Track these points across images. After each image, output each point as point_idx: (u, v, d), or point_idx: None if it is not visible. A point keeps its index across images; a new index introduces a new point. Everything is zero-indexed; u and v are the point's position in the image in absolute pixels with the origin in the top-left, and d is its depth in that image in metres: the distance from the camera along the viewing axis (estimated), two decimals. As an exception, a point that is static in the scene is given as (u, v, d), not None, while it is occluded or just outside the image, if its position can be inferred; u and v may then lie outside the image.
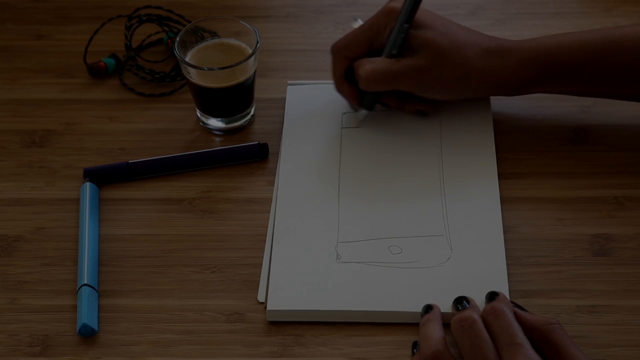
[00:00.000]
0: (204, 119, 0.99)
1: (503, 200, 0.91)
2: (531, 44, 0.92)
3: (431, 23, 0.91)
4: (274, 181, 0.94)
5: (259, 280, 0.86)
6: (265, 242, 0.89)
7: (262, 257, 0.88)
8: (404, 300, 0.83)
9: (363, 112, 0.96)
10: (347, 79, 0.95)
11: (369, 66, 0.91)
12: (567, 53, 0.90)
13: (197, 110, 0.99)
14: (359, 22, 0.95)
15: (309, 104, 0.99)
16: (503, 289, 0.83)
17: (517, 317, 0.78)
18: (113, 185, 0.94)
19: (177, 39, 0.95)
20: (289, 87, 1.01)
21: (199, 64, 0.95)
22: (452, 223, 0.89)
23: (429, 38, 0.90)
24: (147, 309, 0.85)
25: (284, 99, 1.00)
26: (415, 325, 0.82)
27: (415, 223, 0.89)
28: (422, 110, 0.96)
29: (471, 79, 0.91)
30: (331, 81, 0.98)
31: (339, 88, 0.96)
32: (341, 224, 0.89)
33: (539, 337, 0.77)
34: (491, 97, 0.97)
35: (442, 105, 0.97)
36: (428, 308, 0.82)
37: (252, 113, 1.00)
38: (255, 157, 0.96)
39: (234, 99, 0.97)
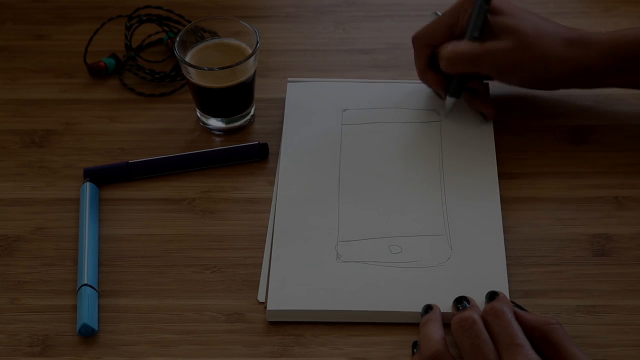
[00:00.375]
0: (204, 119, 0.99)
1: (503, 200, 0.91)
2: (610, 36, 0.92)
3: (512, 11, 0.92)
4: (274, 181, 0.94)
5: (259, 280, 0.86)
6: (265, 242, 0.89)
7: (262, 257, 0.88)
8: (404, 300, 0.83)
9: (450, 100, 0.95)
10: (431, 68, 0.95)
11: (451, 47, 0.92)
12: None
13: (197, 110, 0.99)
14: (439, 13, 0.96)
15: (310, 101, 0.99)
16: (503, 289, 0.83)
17: (517, 317, 0.78)
18: (113, 185, 0.94)
19: (177, 39, 0.95)
20: (289, 84, 1.01)
21: (199, 64, 0.95)
22: (452, 223, 0.89)
23: (511, 23, 0.91)
24: (147, 309, 0.85)
25: (284, 99, 1.00)
26: (415, 325, 0.82)
27: (415, 222, 0.89)
28: (485, 112, 0.96)
29: (552, 66, 0.91)
30: (332, 79, 0.99)
31: (423, 77, 0.96)
32: (341, 223, 0.89)
33: (539, 337, 0.77)
34: (491, 97, 0.97)
35: (442, 105, 0.97)
36: (428, 308, 0.82)
37: (252, 113, 1.00)
38: (255, 157, 0.96)
39: (234, 99, 0.97)
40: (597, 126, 0.97)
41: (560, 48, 0.91)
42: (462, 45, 0.92)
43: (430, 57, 0.95)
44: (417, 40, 0.95)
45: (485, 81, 0.97)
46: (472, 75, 0.95)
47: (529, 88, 0.95)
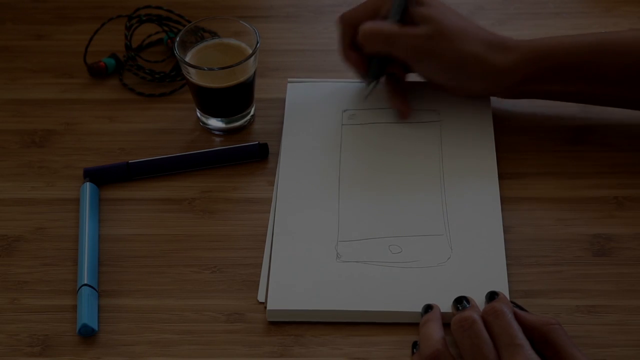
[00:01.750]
0: (204, 119, 0.99)
1: (503, 200, 0.91)
2: (531, 43, 0.92)
3: (435, 3, 0.93)
4: (274, 181, 0.94)
5: (259, 280, 0.86)
6: (265, 242, 0.89)
7: (262, 257, 0.88)
8: (404, 300, 0.83)
9: (370, 83, 0.96)
10: (354, 49, 0.96)
11: (370, 24, 0.93)
12: (565, 53, 0.91)
13: (197, 110, 0.99)
14: None
15: (309, 101, 0.99)
16: (503, 289, 0.83)
17: (517, 317, 0.78)
18: (113, 185, 0.94)
19: (177, 39, 0.95)
20: (289, 84, 1.01)
21: (199, 64, 0.95)
22: (452, 223, 0.89)
23: (432, 14, 0.92)
24: (147, 309, 0.85)
25: (284, 99, 1.00)
26: (415, 325, 0.82)
27: (415, 222, 0.89)
28: (401, 110, 0.96)
29: (467, 64, 0.92)
30: (332, 79, 0.99)
31: (346, 56, 0.97)
32: (341, 223, 0.89)
33: (539, 337, 0.77)
34: (491, 97, 0.97)
35: (442, 105, 0.97)
36: (428, 308, 0.82)
37: (252, 113, 1.00)
38: (255, 157, 0.96)
39: (234, 99, 0.97)
40: (597, 126, 0.97)
41: (477, 47, 0.91)
42: (381, 24, 0.93)
43: (353, 37, 0.95)
44: (342, 19, 0.96)
45: (405, 73, 0.97)
46: (392, 60, 0.95)
47: (442, 82, 0.95)
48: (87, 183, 0.93)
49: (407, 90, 0.98)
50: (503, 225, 0.89)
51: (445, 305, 0.82)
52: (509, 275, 0.85)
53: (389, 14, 0.93)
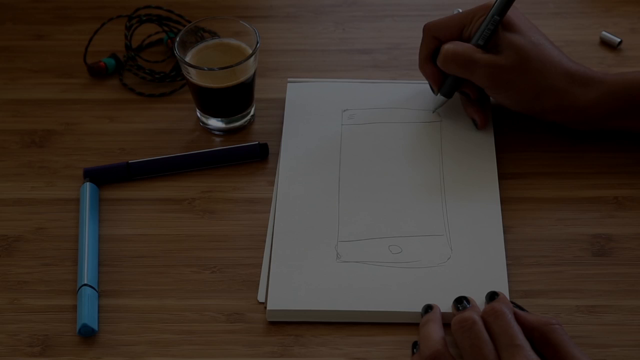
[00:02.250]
0: (204, 119, 0.99)
1: (503, 200, 0.91)
2: (617, 78, 0.90)
3: (525, 30, 0.91)
4: (274, 181, 0.94)
5: (259, 280, 0.86)
6: (265, 242, 0.89)
7: (262, 257, 0.88)
8: (404, 300, 0.83)
9: (440, 97, 0.95)
10: (433, 62, 0.95)
11: (452, 45, 0.92)
12: None
13: (197, 110, 0.99)
14: (459, 11, 0.96)
15: (310, 101, 0.99)
16: (503, 289, 0.83)
17: (517, 318, 0.78)
18: (113, 185, 0.94)
19: (177, 39, 0.95)
20: (289, 84, 1.01)
21: (199, 64, 0.95)
22: (452, 223, 0.89)
23: (518, 42, 0.90)
24: (147, 309, 0.85)
25: (284, 99, 1.00)
26: (415, 325, 0.82)
27: (415, 223, 0.89)
28: (476, 120, 0.95)
29: (545, 97, 0.90)
30: (332, 79, 0.99)
31: (423, 67, 0.96)
32: (341, 223, 0.89)
33: (539, 337, 0.77)
34: (492, 98, 0.97)
35: (441, 105, 0.97)
36: (428, 308, 0.82)
37: (252, 113, 1.00)
38: (255, 157, 0.96)
39: (234, 99, 0.97)
40: (597, 126, 0.97)
41: (560, 81, 0.90)
42: (464, 47, 0.91)
43: (434, 50, 0.94)
44: (426, 29, 0.94)
45: (477, 94, 0.95)
46: (467, 80, 0.94)
47: (518, 110, 0.94)
48: (87, 183, 0.93)
49: (484, 100, 0.96)
50: (503, 225, 0.89)
51: (445, 305, 0.82)
52: (509, 275, 0.85)
53: (474, 34, 0.92)
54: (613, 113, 0.91)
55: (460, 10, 0.96)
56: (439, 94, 0.95)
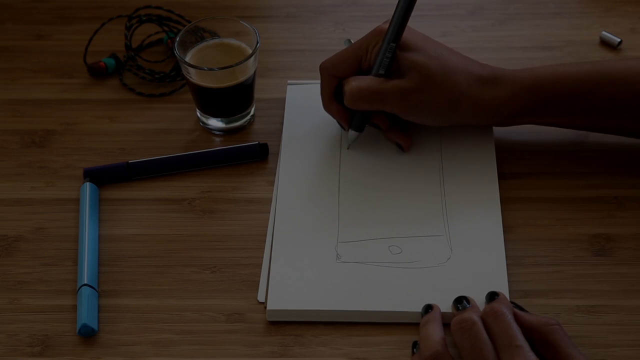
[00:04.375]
0: (204, 119, 0.99)
1: (503, 200, 0.91)
2: (526, 74, 0.90)
3: (422, 46, 0.89)
4: (274, 181, 0.94)
5: (259, 280, 0.86)
6: (265, 242, 0.89)
7: (262, 257, 0.88)
8: (404, 300, 0.83)
9: (352, 133, 0.93)
10: (336, 99, 0.93)
11: (354, 83, 0.90)
12: (562, 84, 0.89)
13: (197, 110, 0.99)
14: (350, 42, 0.94)
15: (309, 103, 0.99)
16: (503, 289, 0.83)
17: (517, 318, 0.78)
18: (113, 185, 0.94)
19: (177, 39, 0.95)
20: (289, 86, 1.01)
21: (199, 64, 0.95)
22: (452, 223, 0.89)
23: (418, 61, 0.88)
24: (147, 309, 0.85)
25: (284, 99, 1.00)
26: (415, 325, 0.82)
27: (415, 223, 0.89)
28: (401, 144, 0.94)
29: (460, 106, 0.89)
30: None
31: (328, 107, 0.94)
32: (341, 224, 0.89)
33: (539, 337, 0.77)
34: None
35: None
36: (428, 308, 0.82)
37: (252, 113, 1.00)
38: (255, 157, 0.96)
39: (234, 99, 0.97)
40: (597, 126, 0.97)
41: (469, 86, 0.89)
42: (366, 82, 0.89)
43: (335, 88, 0.93)
44: (323, 70, 0.92)
45: (388, 122, 0.93)
46: (377, 111, 0.92)
47: (438, 125, 0.93)
48: (87, 183, 0.93)
49: (401, 122, 0.94)
50: (503, 225, 0.89)
51: (445, 305, 0.82)
52: (509, 275, 0.85)
53: (373, 64, 0.90)
54: (527, 109, 0.90)
55: (351, 40, 0.94)
56: (350, 130, 0.94)
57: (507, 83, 0.89)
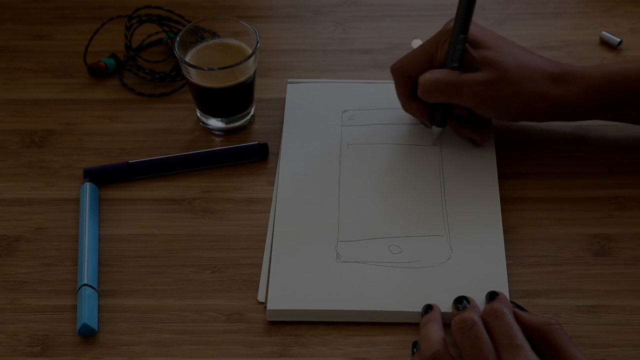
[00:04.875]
0: (204, 119, 0.99)
1: (503, 200, 0.91)
2: (597, 71, 0.90)
3: (493, 44, 0.90)
4: (274, 181, 0.94)
5: (259, 280, 0.86)
6: (265, 242, 0.89)
7: (262, 257, 0.88)
8: (404, 300, 0.83)
9: (436, 129, 0.93)
10: (414, 98, 0.93)
11: (429, 75, 0.90)
12: (634, 79, 0.89)
13: (197, 110, 0.99)
14: (419, 42, 0.94)
15: (310, 102, 0.99)
16: (503, 289, 0.83)
17: (517, 318, 0.78)
18: (113, 185, 0.94)
19: (177, 39, 0.95)
20: (289, 85, 1.01)
21: (199, 64, 0.95)
22: (452, 223, 0.89)
23: (493, 57, 0.89)
24: (147, 309, 0.85)
25: (284, 99, 1.00)
26: (415, 325, 0.82)
27: (415, 223, 0.89)
28: (474, 139, 0.94)
29: (532, 103, 0.89)
30: (332, 80, 0.99)
31: (408, 107, 0.94)
32: (341, 224, 0.89)
33: (539, 337, 0.77)
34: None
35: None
36: (428, 308, 0.82)
37: (252, 113, 1.00)
38: (255, 157, 0.96)
39: (234, 99, 0.97)
40: (597, 126, 0.97)
41: (542, 84, 0.89)
42: (440, 74, 0.90)
43: (411, 88, 0.93)
44: (395, 71, 0.93)
45: (469, 113, 0.94)
46: (455, 104, 0.92)
47: (508, 121, 0.94)
48: (87, 183, 0.93)
49: (476, 118, 0.94)
50: (503, 225, 0.89)
51: (445, 305, 0.82)
52: (509, 275, 0.85)
53: (446, 60, 0.90)
54: (599, 106, 0.90)
55: (419, 40, 0.94)
56: (433, 127, 0.94)
57: (578, 81, 0.90)
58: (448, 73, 0.90)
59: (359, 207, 0.91)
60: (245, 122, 0.99)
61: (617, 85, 0.89)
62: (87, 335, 0.83)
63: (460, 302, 0.81)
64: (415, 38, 0.94)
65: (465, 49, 0.89)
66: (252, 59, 0.94)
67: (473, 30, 0.90)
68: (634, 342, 0.81)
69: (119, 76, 1.04)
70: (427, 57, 0.91)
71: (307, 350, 0.82)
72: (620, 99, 0.90)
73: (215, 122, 0.98)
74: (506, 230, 0.89)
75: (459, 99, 0.90)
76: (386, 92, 0.99)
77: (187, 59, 0.95)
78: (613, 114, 0.92)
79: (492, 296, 0.81)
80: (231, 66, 0.93)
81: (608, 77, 0.90)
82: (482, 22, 1.01)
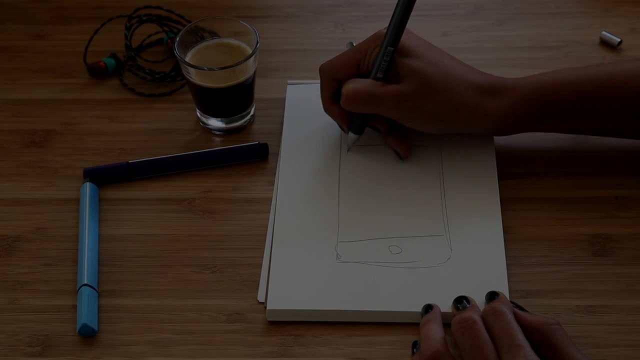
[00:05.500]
0: (204, 119, 0.99)
1: (503, 200, 0.91)
2: (525, 82, 0.89)
3: (422, 52, 0.89)
4: (274, 181, 0.94)
5: (259, 280, 0.86)
6: (265, 242, 0.89)
7: (262, 257, 0.88)
8: (404, 300, 0.83)
9: (352, 135, 0.93)
10: (337, 101, 0.93)
11: (352, 85, 0.89)
12: (563, 90, 0.88)
13: (197, 110, 0.99)
14: (352, 44, 0.94)
15: (309, 103, 0.99)
16: (503, 289, 0.83)
17: (517, 318, 0.78)
18: (113, 185, 0.94)
19: (177, 39, 0.95)
20: (289, 86, 1.01)
21: (199, 64, 0.95)
22: (452, 223, 0.89)
23: (417, 67, 0.88)
24: (147, 309, 0.85)
25: (284, 99, 1.00)
26: (415, 325, 0.82)
27: (415, 223, 0.89)
28: (398, 152, 0.93)
29: (458, 114, 0.89)
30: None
31: (328, 109, 0.94)
32: (341, 224, 0.89)
33: (539, 337, 0.77)
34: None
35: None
36: (428, 308, 0.82)
37: (252, 113, 1.00)
38: (255, 157, 0.96)
39: (234, 99, 0.97)
40: (597, 126, 0.97)
41: (469, 95, 0.88)
42: (363, 84, 0.89)
43: (335, 90, 0.92)
44: (323, 72, 0.92)
45: (388, 126, 0.93)
46: (375, 114, 0.91)
47: (434, 132, 0.92)
48: (87, 183, 0.93)
49: (401, 129, 0.94)
50: (503, 225, 0.89)
51: (445, 305, 0.82)
52: (509, 275, 0.85)
53: (372, 68, 0.89)
54: (528, 118, 0.89)
55: (353, 43, 0.94)
56: (349, 132, 0.93)
57: (507, 92, 0.89)
58: (371, 84, 0.89)
59: (359, 207, 0.91)
60: (245, 122, 0.99)
61: (545, 96, 0.88)
62: (87, 335, 0.83)
63: (460, 302, 0.81)
64: (351, 42, 0.94)
65: (392, 60, 0.88)
66: (252, 59, 0.94)
67: (404, 38, 0.89)
68: (634, 342, 0.81)
69: (119, 76, 1.04)
70: (354, 62, 0.91)
71: (307, 350, 0.82)
72: (548, 110, 0.88)
73: (215, 122, 0.98)
74: (506, 230, 0.89)
75: (382, 111, 0.89)
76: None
77: (187, 59, 0.95)
78: (542, 126, 0.91)
79: (492, 296, 0.81)
80: (231, 66, 0.93)
81: (536, 89, 0.88)
82: (482, 22, 1.01)
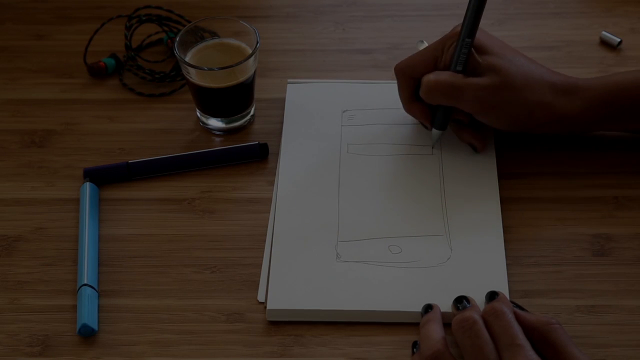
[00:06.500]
0: (204, 119, 0.99)
1: (503, 200, 0.91)
2: (599, 82, 0.90)
3: (499, 50, 0.90)
4: (274, 181, 0.94)
5: (259, 280, 0.86)
6: (265, 242, 0.89)
7: (262, 257, 0.88)
8: (404, 300, 0.83)
9: (436, 132, 0.93)
10: (416, 99, 0.93)
11: (433, 76, 0.90)
12: (636, 89, 0.88)
13: (197, 110, 0.99)
14: (425, 44, 0.94)
15: (309, 102, 0.99)
16: (503, 289, 0.83)
17: (517, 317, 0.78)
18: (113, 185, 0.94)
19: (177, 39, 0.95)
20: (289, 85, 1.01)
21: (199, 64, 0.95)
22: (452, 223, 0.89)
23: (497, 63, 0.88)
24: (147, 309, 0.85)
25: (284, 99, 1.00)
26: (415, 325, 0.82)
27: (415, 223, 0.89)
28: (474, 145, 0.94)
29: (535, 113, 0.89)
30: (332, 80, 0.99)
31: (409, 108, 0.94)
32: (341, 223, 0.89)
33: (539, 337, 0.77)
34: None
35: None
36: (428, 308, 0.82)
37: (252, 113, 1.00)
38: (255, 157, 0.96)
39: (234, 99, 0.97)
40: (597, 126, 0.97)
41: (545, 94, 0.89)
42: (444, 75, 0.89)
43: (414, 89, 0.92)
44: (399, 71, 0.92)
45: (469, 119, 0.93)
46: (457, 108, 0.92)
47: (508, 130, 0.92)
48: (87, 183, 0.93)
49: (477, 124, 0.94)
50: (503, 225, 0.89)
51: (445, 305, 0.82)
52: (509, 275, 0.85)
53: (450, 63, 0.90)
54: (602, 117, 0.90)
55: (425, 42, 0.94)
56: (433, 129, 0.94)
57: (581, 92, 0.89)
58: (452, 75, 0.89)
59: (359, 207, 0.91)
60: (245, 122, 0.99)
61: (619, 96, 0.89)
62: (87, 335, 0.83)
63: (460, 301, 0.81)
64: (421, 40, 0.94)
65: (470, 53, 0.89)
66: (252, 59, 0.94)
67: (480, 36, 0.90)
68: (634, 342, 0.81)
69: (119, 76, 1.04)
70: (432, 60, 0.91)
71: (307, 350, 0.82)
72: (623, 110, 0.89)
73: (215, 122, 0.98)
74: (506, 230, 0.89)
75: (461, 103, 0.90)
76: (386, 92, 0.99)
77: (187, 59, 0.95)
78: (616, 125, 0.92)
79: (492, 296, 0.81)
80: (231, 66, 0.93)
81: (610, 88, 0.89)
82: (482, 22, 1.00)
